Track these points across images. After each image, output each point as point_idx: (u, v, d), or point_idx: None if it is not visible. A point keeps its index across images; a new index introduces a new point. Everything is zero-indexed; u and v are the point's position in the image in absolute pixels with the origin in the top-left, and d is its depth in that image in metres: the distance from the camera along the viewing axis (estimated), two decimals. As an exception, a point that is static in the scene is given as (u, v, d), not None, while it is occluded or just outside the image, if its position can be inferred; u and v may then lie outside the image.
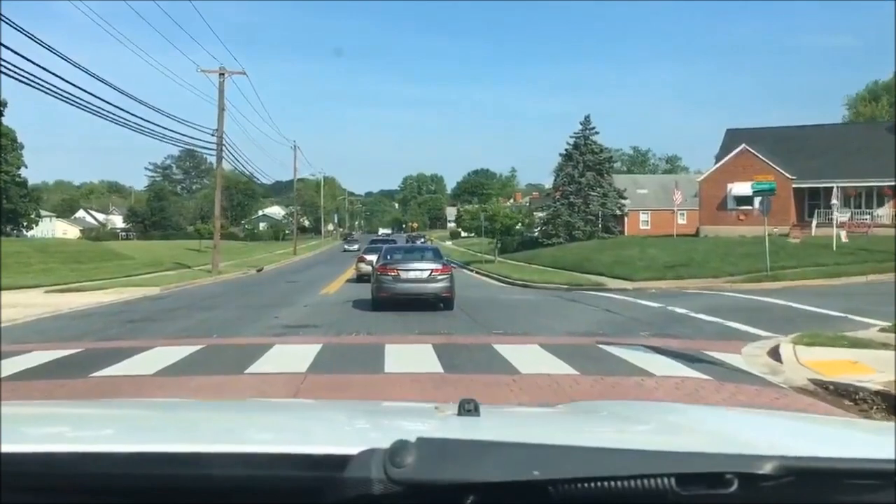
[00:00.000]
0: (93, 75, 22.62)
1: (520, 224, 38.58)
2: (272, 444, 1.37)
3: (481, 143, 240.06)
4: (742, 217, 39.11)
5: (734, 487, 1.04)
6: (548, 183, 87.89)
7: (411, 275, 15.42)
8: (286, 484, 1.15)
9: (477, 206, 39.15)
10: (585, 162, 50.22)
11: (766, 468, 1.05)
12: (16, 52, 17.97)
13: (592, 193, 50.19)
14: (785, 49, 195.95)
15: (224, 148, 34.52)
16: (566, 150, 51.38)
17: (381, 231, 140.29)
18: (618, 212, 51.67)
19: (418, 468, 1.01)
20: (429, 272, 15.44)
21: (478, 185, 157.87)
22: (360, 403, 3.80)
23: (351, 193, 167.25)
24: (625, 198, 51.74)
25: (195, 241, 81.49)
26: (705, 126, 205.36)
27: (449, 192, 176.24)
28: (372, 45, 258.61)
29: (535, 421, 2.01)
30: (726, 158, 40.07)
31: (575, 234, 48.76)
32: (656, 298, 17.57)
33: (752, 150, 39.22)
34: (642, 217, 59.41)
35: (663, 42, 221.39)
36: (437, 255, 16.96)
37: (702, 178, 41.88)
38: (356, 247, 59.29)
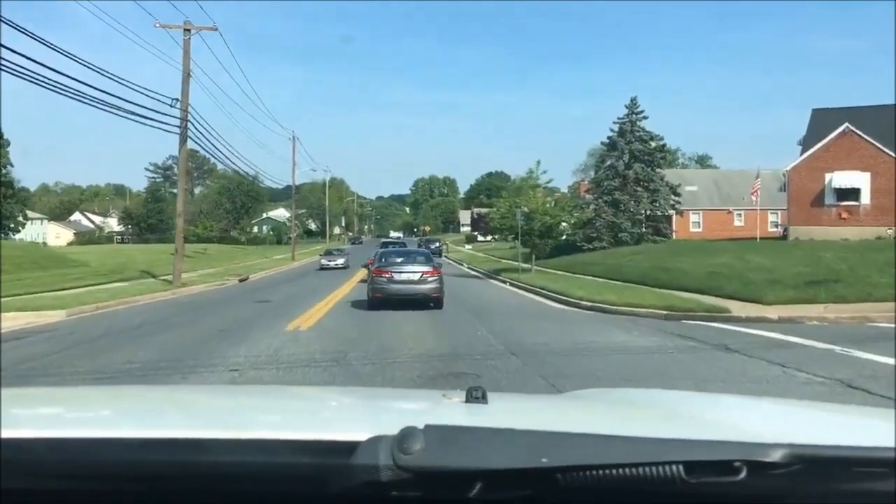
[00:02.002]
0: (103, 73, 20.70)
1: (564, 223, 30.69)
2: (280, 430, 1.35)
3: (494, 147, 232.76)
4: (845, 215, 31.03)
5: (742, 475, 1.03)
6: (563, 186, 79.88)
7: (404, 276, 16.40)
8: (294, 470, 1.13)
9: (510, 199, 31.18)
10: (633, 151, 42.26)
11: (775, 456, 1.04)
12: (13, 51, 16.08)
13: (640, 189, 42.22)
14: (794, 50, 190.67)
15: (211, 138, 26.89)
16: (609, 137, 43.43)
17: (393, 234, 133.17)
18: (670, 211, 43.64)
19: (426, 455, 1.01)
20: (420, 274, 16.49)
21: (492, 187, 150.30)
22: (368, 390, 3.80)
23: (361, 197, 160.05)
24: (678, 194, 43.67)
25: (188, 244, 74.76)
26: (728, 127, 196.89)
27: (462, 195, 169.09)
28: (383, 50, 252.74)
29: (544, 408, 1.95)
30: (824, 142, 31.89)
31: (621, 236, 40.82)
32: (873, 345, 9.69)
33: (857, 132, 31.10)
34: (692, 217, 51.33)
35: (675, 47, 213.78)
36: (428, 258, 18.15)
37: (790, 166, 33.68)
38: (342, 262, 40.03)
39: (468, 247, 74.74)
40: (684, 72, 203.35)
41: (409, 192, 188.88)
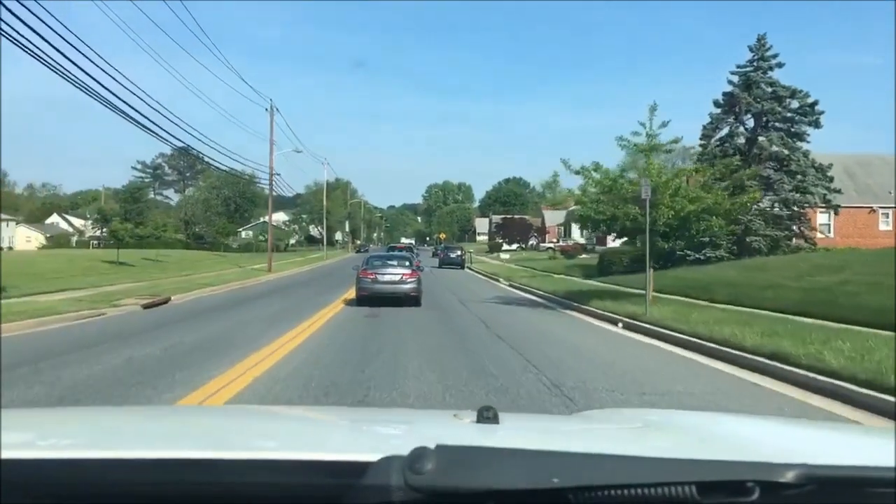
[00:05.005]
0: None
1: (715, 217, 16.58)
2: (291, 450, 1.35)
3: (510, 156, 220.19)
4: None
5: (755, 496, 1.02)
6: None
7: (386, 278, 18.48)
8: (305, 491, 1.13)
9: (622, 168, 16.84)
10: (763, 114, 28.06)
11: (788, 476, 1.03)
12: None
13: (773, 172, 27.98)
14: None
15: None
16: (727, 93, 29.09)
17: (404, 240, 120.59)
18: (821, 204, 29.32)
19: (438, 475, 1.01)
20: (400, 276, 18.54)
21: (510, 195, 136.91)
22: (379, 411, 4.00)
23: (370, 205, 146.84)
24: (831, 178, 29.35)
25: (168, 248, 62.00)
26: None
27: (477, 202, 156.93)
28: (394, 59, 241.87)
29: (555, 428, 1.94)
30: None
31: (751, 242, 26.57)
32: None
33: None
34: (819, 218, 36.89)
35: (694, 55, 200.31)
36: (409, 262, 19.99)
37: None
38: None
39: (504, 256, 60.30)
40: (700, 82, 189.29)
41: (421, 199, 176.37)
